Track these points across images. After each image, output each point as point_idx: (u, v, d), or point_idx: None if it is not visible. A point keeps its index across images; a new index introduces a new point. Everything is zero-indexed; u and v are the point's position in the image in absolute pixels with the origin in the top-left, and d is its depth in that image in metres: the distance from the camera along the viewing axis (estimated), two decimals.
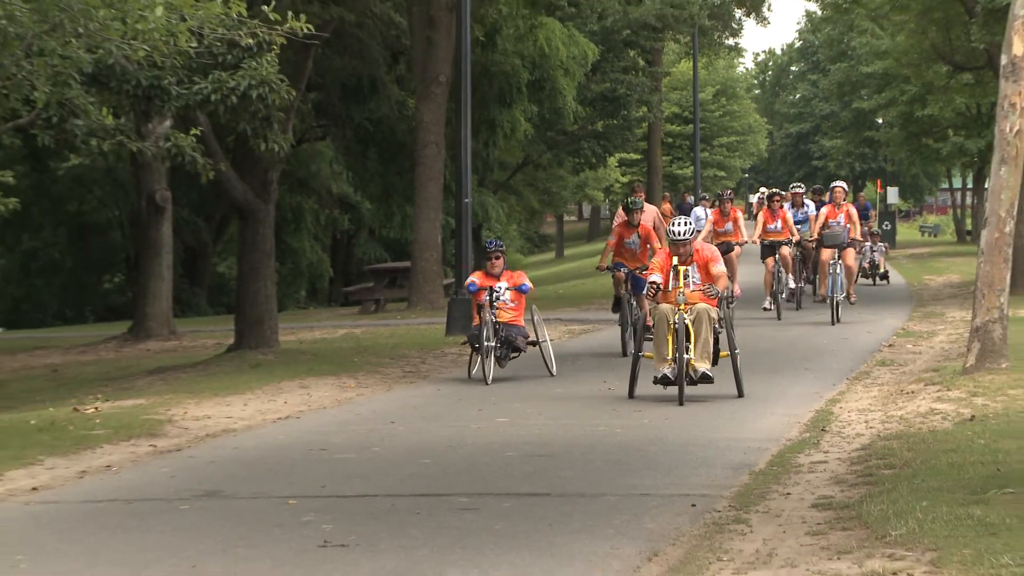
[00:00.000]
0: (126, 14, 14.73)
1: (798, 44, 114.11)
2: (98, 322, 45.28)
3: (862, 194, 73.77)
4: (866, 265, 37.53)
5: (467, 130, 27.77)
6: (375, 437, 15.15)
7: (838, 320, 25.99)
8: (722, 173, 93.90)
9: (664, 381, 16.50)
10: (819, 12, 52.61)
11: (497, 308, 19.25)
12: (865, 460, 12.50)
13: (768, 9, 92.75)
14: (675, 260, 16.67)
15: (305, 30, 17.29)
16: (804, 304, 29.66)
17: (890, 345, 22.81)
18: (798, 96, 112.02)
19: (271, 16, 17.04)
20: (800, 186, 32.84)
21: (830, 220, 27.72)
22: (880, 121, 72.26)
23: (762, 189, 53.88)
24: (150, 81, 22.22)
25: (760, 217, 29.82)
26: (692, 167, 69.63)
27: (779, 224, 28.76)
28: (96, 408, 18.22)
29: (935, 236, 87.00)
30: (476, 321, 19.36)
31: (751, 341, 23.04)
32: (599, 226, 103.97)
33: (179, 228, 39.56)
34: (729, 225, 28.38)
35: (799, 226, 29.33)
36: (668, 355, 16.38)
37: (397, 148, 41.98)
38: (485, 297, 19.36)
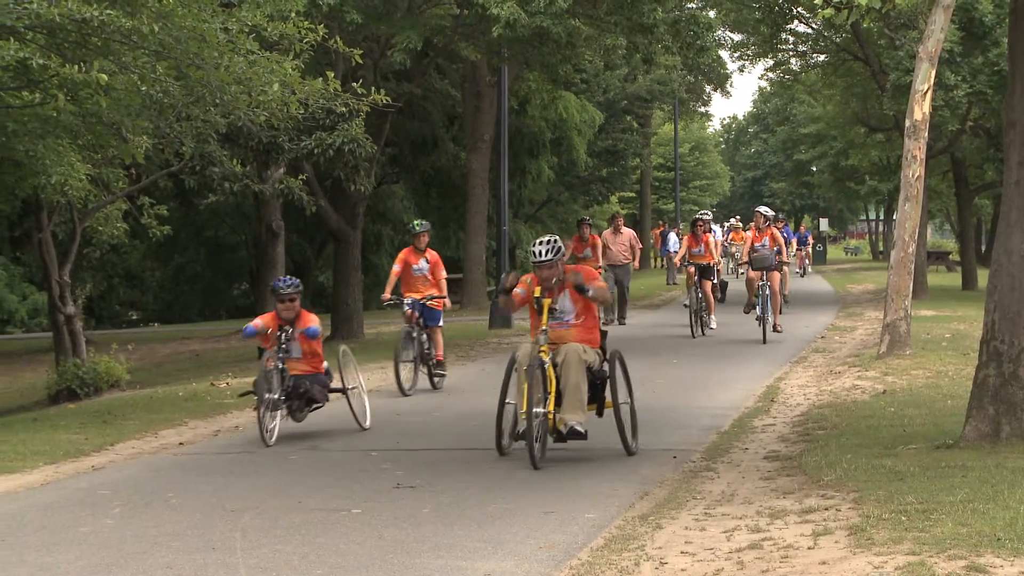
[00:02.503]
0: (251, 89, 14.75)
1: (753, 111, 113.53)
2: (229, 319, 45.32)
3: (804, 225, 73.44)
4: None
5: (505, 175, 27.74)
6: (435, 405, 15.14)
7: (766, 340, 21.31)
8: (696, 207, 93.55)
9: (524, 437, 10.46)
10: (769, 87, 52.41)
11: (287, 359, 12.48)
12: (804, 423, 12.43)
13: (731, 85, 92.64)
14: (536, 291, 10.85)
15: (384, 101, 17.31)
16: (721, 319, 24.47)
17: (822, 337, 22.69)
18: (753, 150, 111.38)
19: (359, 91, 17.05)
20: (707, 213, 25.32)
21: (756, 244, 22.28)
22: (814, 169, 72.00)
23: (732, 220, 52.25)
24: (269, 139, 22.31)
25: (684, 241, 24.87)
26: (673, 203, 69.51)
27: (702, 248, 23.48)
28: (227, 383, 18.27)
29: (856, 255, 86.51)
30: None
31: (714, 340, 22.90)
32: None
33: (289, 248, 39.54)
34: (588, 251, 23.77)
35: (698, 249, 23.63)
36: (523, 408, 10.38)
37: (452, 189, 42.02)
38: (273, 344, 12.56)
